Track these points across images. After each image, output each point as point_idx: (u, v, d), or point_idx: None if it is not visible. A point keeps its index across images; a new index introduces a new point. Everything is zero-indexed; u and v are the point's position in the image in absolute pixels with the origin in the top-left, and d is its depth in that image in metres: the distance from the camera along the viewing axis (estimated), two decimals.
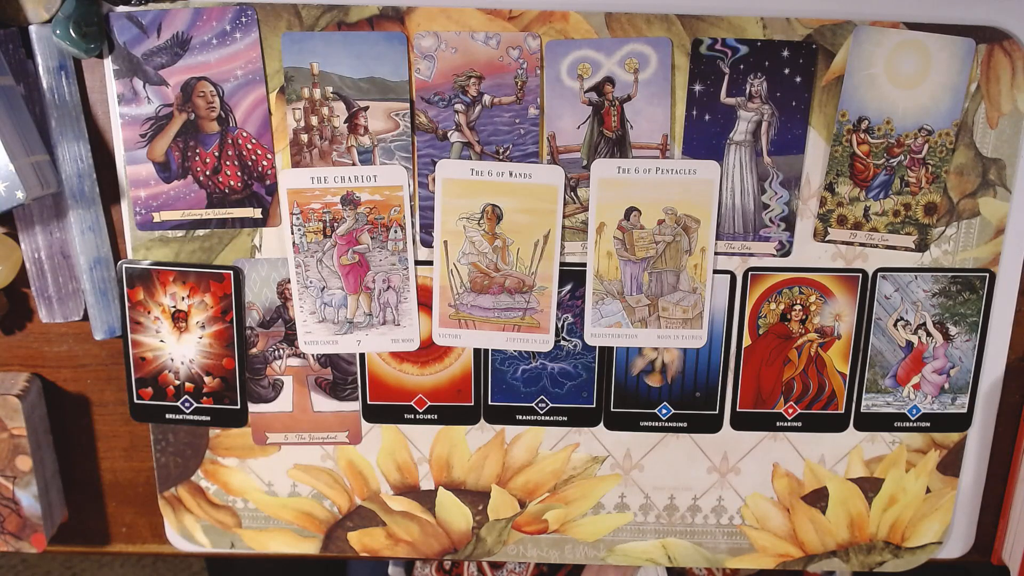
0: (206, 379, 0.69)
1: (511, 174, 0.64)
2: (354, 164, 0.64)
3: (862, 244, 0.66)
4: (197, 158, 0.64)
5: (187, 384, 0.69)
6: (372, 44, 0.61)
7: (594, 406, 0.70)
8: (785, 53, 0.62)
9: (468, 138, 0.63)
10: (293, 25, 0.61)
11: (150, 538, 0.76)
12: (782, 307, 0.68)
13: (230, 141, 0.63)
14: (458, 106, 0.63)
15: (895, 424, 0.71)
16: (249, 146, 0.63)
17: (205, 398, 0.69)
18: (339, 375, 0.70)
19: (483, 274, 0.66)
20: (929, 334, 0.69)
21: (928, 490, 0.73)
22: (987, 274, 0.67)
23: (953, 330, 0.68)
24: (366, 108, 0.63)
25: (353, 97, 0.62)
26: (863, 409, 0.71)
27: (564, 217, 0.65)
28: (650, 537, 0.75)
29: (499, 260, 0.66)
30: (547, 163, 0.64)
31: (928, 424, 0.71)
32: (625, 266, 0.66)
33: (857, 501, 0.73)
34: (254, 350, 0.69)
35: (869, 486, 0.73)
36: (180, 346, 0.68)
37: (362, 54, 0.61)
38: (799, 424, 0.71)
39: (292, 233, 0.65)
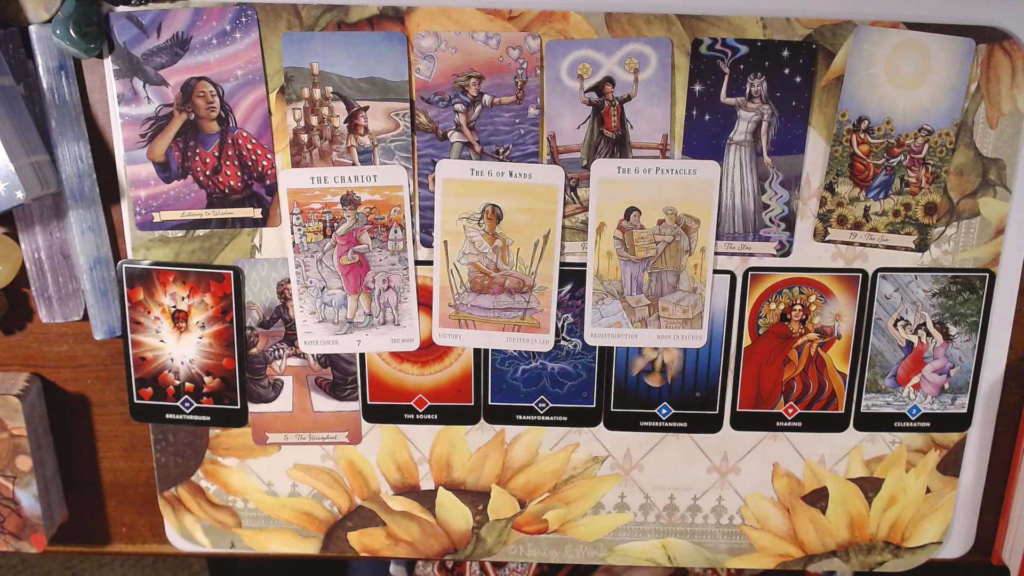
0: (206, 379, 0.69)
1: (511, 174, 0.64)
2: (354, 164, 0.64)
3: (862, 244, 0.66)
4: (197, 158, 0.64)
5: (187, 384, 0.69)
6: (372, 44, 0.61)
7: (594, 406, 0.70)
8: (785, 53, 0.62)
9: (468, 138, 0.64)
10: (293, 25, 0.61)
11: (150, 538, 0.76)
12: (782, 307, 0.68)
13: (230, 141, 0.63)
14: (458, 106, 0.63)
15: (895, 424, 0.71)
16: (249, 146, 0.63)
17: (205, 398, 0.69)
18: (339, 375, 0.70)
19: (483, 274, 0.66)
20: (929, 334, 0.69)
21: (928, 490, 0.73)
22: (987, 274, 0.67)
23: (953, 330, 0.68)
24: (366, 108, 0.63)
25: (353, 97, 0.62)
26: (863, 409, 0.71)
27: (564, 217, 0.65)
28: (650, 537, 0.75)
29: (499, 260, 0.66)
30: (547, 163, 0.64)
31: (928, 424, 0.71)
32: (625, 266, 0.66)
33: (857, 501, 0.73)
34: (254, 350, 0.69)
35: (869, 486, 0.73)
36: (180, 346, 0.68)
37: (362, 54, 0.61)
38: (799, 424, 0.71)
39: (292, 233, 0.65)
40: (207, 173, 0.64)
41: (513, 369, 0.69)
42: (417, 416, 0.71)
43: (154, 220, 0.65)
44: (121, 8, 0.60)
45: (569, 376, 0.70)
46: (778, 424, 0.71)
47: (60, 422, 0.72)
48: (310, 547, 0.75)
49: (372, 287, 0.67)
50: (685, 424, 0.71)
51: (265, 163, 0.64)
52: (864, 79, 0.62)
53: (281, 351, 0.69)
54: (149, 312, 0.67)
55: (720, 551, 0.75)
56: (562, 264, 0.66)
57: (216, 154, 0.64)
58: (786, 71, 0.62)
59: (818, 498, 0.73)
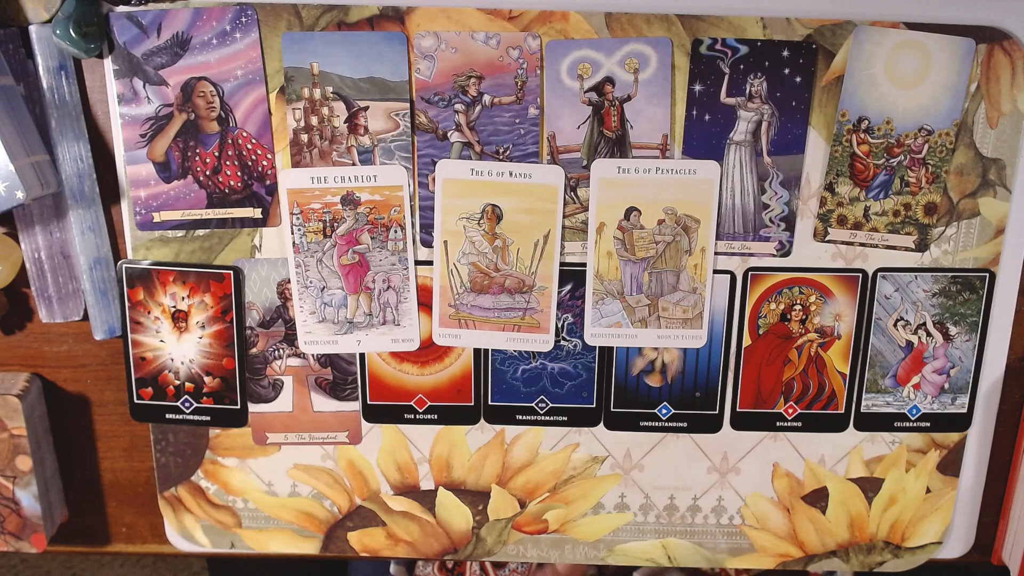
0: (206, 379, 0.69)
1: (511, 174, 0.64)
2: (354, 164, 0.64)
3: (862, 244, 0.66)
4: (197, 158, 0.64)
5: (187, 384, 0.69)
6: (372, 44, 0.61)
7: (594, 406, 0.70)
8: (785, 53, 0.62)
9: (468, 138, 0.64)
10: (293, 25, 0.61)
11: (150, 538, 0.76)
12: (782, 307, 0.68)
13: (230, 141, 0.63)
14: (458, 106, 0.63)
15: (895, 424, 0.71)
16: (249, 146, 0.63)
17: (205, 398, 0.69)
18: (339, 375, 0.70)
19: (483, 274, 0.66)
20: (929, 334, 0.69)
21: (928, 490, 0.73)
22: (987, 274, 0.67)
23: (953, 330, 0.68)
24: (366, 108, 0.63)
25: (353, 97, 0.62)
26: (863, 409, 0.71)
27: (564, 217, 0.65)
28: (650, 537, 0.75)
29: (499, 260, 0.66)
30: (547, 163, 0.64)
31: (928, 424, 0.71)
32: (625, 266, 0.66)
33: (857, 501, 0.73)
34: (254, 350, 0.69)
35: (869, 486, 0.73)
36: (180, 346, 0.68)
37: (362, 54, 0.61)
38: (799, 424, 0.71)
39: (292, 233, 0.65)
40: (207, 173, 0.64)
41: (513, 369, 0.69)
42: (417, 416, 0.71)
43: (154, 220, 0.65)
44: (121, 8, 0.60)
45: (569, 376, 0.70)
46: (778, 424, 0.71)
47: (60, 422, 0.72)
48: (310, 547, 0.75)
49: (372, 287, 0.67)
50: (685, 424, 0.71)
51: (265, 163, 0.64)
52: (864, 79, 0.62)
53: (281, 351, 0.69)
54: (149, 312, 0.67)
55: (720, 551, 0.75)
56: (562, 264, 0.66)
57: (216, 154, 0.64)
58: (786, 71, 0.62)
59: (818, 498, 0.73)
